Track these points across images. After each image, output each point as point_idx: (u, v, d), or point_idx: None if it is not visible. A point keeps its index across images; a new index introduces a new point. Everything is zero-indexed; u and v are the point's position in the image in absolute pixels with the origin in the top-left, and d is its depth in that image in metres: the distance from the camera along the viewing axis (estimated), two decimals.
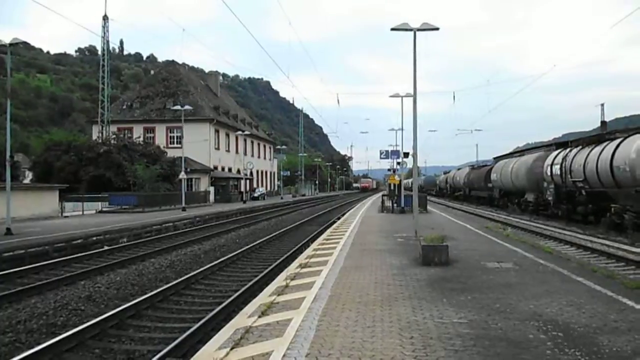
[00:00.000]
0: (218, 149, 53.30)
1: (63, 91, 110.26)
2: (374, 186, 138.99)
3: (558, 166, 24.34)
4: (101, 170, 37.60)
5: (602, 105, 46.62)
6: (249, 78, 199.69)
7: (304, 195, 79.55)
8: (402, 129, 29.55)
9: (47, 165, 38.86)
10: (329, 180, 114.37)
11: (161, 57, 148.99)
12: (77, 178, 37.10)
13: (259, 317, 6.60)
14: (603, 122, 36.56)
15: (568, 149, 24.35)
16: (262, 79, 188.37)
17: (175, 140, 48.45)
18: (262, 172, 71.36)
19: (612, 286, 8.43)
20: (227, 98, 72.44)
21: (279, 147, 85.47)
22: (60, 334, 7.33)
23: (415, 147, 17.80)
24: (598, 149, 20.47)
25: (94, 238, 18.18)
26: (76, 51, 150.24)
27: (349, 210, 34.76)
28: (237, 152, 58.54)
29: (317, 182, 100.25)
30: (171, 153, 43.51)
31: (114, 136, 43.60)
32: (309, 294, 7.77)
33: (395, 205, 30.45)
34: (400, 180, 32.30)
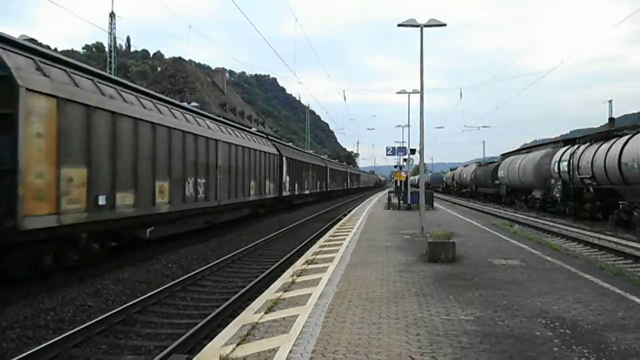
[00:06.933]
0: None
1: None
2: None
3: (566, 163, 24.24)
4: None
5: (610, 101, 45.93)
6: (256, 75, 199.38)
7: None
8: (408, 126, 29.51)
9: None
10: None
11: (168, 54, 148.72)
12: None
13: (266, 313, 6.61)
14: (611, 119, 36.21)
15: (576, 146, 24.24)
16: (268, 75, 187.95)
17: None
18: None
19: (620, 283, 8.39)
20: (233, 95, 72.53)
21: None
22: (67, 330, 7.38)
23: (422, 144, 17.75)
24: (606, 145, 20.35)
25: None
26: (83, 48, 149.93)
27: (355, 207, 34.73)
28: None
29: None
30: None
31: None
32: (315, 290, 7.78)
33: (401, 202, 30.43)
34: (406, 177, 32.27)
